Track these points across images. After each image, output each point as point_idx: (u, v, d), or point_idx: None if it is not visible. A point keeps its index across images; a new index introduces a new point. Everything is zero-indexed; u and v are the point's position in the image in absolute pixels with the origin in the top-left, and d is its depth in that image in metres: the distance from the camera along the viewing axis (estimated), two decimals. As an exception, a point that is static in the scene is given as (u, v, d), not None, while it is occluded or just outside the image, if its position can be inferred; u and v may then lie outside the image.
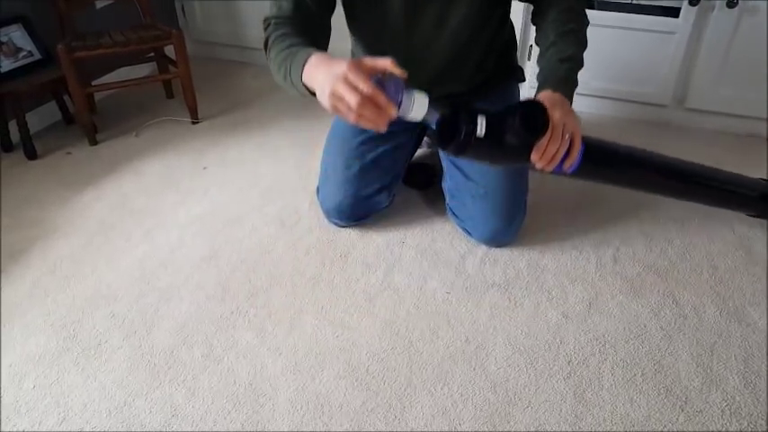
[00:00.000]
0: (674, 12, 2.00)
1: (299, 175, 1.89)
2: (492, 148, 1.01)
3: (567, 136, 1.03)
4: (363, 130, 1.48)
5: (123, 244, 1.60)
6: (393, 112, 0.87)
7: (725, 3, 1.90)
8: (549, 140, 1.01)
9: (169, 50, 2.23)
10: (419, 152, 1.89)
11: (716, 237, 1.56)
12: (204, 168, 1.96)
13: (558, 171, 1.09)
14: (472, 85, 1.42)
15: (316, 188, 1.66)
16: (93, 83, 2.29)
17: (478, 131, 0.97)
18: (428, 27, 1.27)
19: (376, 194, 1.55)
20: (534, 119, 0.99)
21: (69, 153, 2.06)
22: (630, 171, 1.32)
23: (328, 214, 1.60)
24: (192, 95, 2.20)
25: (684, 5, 1.96)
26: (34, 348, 1.27)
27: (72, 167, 1.98)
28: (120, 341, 1.28)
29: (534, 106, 1.01)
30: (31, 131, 2.04)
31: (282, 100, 2.42)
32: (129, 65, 2.40)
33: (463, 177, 1.47)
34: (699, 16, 1.96)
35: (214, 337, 1.28)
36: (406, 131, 1.53)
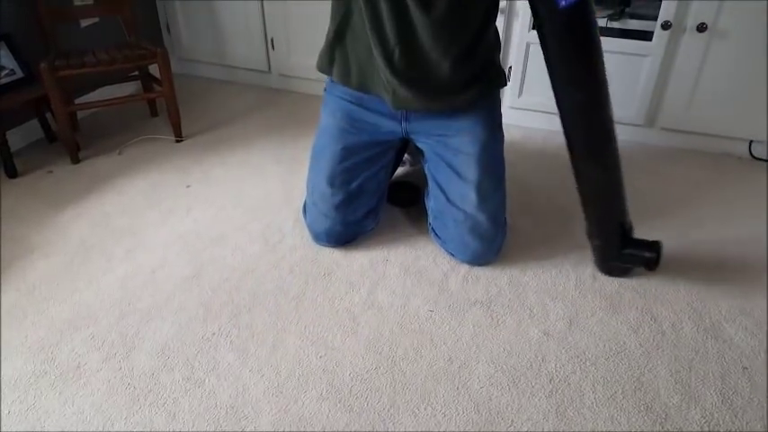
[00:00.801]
0: (647, 35, 2.02)
1: (282, 192, 1.86)
2: None
3: None
4: (347, 155, 1.45)
5: (104, 264, 1.55)
6: None
7: (695, 27, 1.92)
8: None
9: (153, 69, 2.19)
10: (401, 170, 1.87)
11: (691, 254, 1.56)
12: (187, 186, 1.91)
13: None
14: (457, 83, 1.35)
15: (302, 207, 1.63)
16: (77, 101, 2.24)
17: None
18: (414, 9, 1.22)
19: (363, 219, 1.54)
20: None
21: (51, 172, 2.00)
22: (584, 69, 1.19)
23: (317, 238, 1.57)
24: (176, 114, 2.16)
25: (657, 29, 1.98)
26: (10, 372, 1.22)
27: (53, 186, 1.92)
28: (100, 364, 1.23)
29: None
30: (13, 149, 1.98)
31: (265, 117, 2.40)
32: (113, 83, 2.35)
33: (445, 199, 1.46)
34: (671, 40, 1.98)
35: (195, 359, 1.24)
36: (388, 150, 1.51)
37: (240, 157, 2.10)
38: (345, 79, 1.41)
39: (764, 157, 2.07)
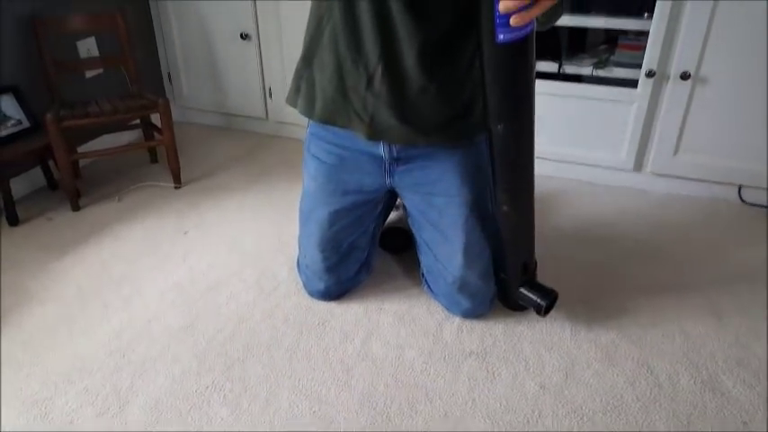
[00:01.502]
0: (632, 83, 2.01)
1: (277, 238, 1.82)
2: None
3: None
4: (335, 219, 1.37)
5: (100, 313, 1.49)
6: None
7: (678, 75, 1.92)
8: None
9: (155, 117, 2.17)
10: (393, 214, 1.83)
11: (685, 302, 1.51)
12: (185, 233, 1.87)
13: (501, 20, 0.93)
14: (442, 115, 1.24)
15: (296, 260, 1.59)
16: (79, 149, 2.22)
17: None
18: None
19: (356, 274, 1.49)
20: None
21: (50, 219, 1.96)
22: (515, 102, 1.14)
23: (311, 295, 1.52)
24: (176, 161, 2.13)
25: (641, 77, 1.97)
26: (2, 425, 1.15)
27: (53, 233, 1.88)
28: (93, 419, 1.18)
29: None
30: (15, 197, 1.94)
31: (262, 163, 2.37)
32: (115, 131, 2.33)
33: (434, 258, 1.40)
34: (655, 87, 1.97)
35: (188, 415, 1.18)
36: (377, 205, 1.45)
37: (237, 202, 2.07)
38: (309, 110, 1.28)
39: (755, 202, 2.04)
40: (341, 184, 1.36)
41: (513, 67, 1.07)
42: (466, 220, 1.32)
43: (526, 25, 0.92)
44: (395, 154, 1.32)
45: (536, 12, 0.90)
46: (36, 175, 2.15)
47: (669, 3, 1.84)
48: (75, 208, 2.01)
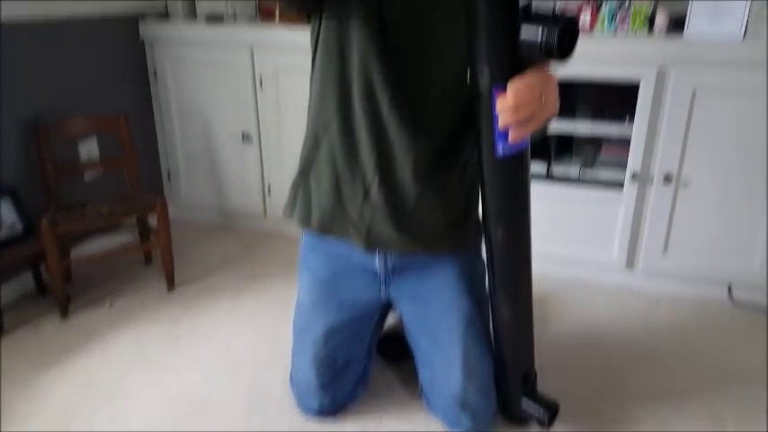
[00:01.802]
0: (618, 184, 2.04)
1: (272, 345, 1.76)
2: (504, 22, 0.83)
3: (543, 100, 0.90)
4: (330, 335, 1.33)
5: (83, 434, 1.41)
6: None
7: (662, 178, 1.95)
8: (540, 81, 0.87)
9: (151, 217, 2.16)
10: (390, 320, 1.79)
11: (687, 409, 1.46)
12: (177, 340, 1.81)
13: (500, 136, 0.93)
14: (438, 223, 1.24)
15: (289, 375, 1.52)
16: (73, 250, 2.19)
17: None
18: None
19: (352, 390, 1.43)
20: (573, 41, 0.82)
21: (38, 327, 1.89)
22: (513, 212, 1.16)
23: (305, 412, 1.45)
24: (171, 264, 2.10)
25: (626, 179, 2.01)
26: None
27: (40, 343, 1.81)
28: None
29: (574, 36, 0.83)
30: (2, 303, 1.88)
31: (259, 262, 2.35)
32: (111, 232, 2.31)
33: (431, 373, 1.35)
34: (640, 188, 2.00)
35: None
36: (373, 318, 1.41)
37: (232, 305, 2.02)
38: (306, 221, 1.28)
39: (746, 301, 2.02)
40: (336, 297, 1.33)
41: (511, 177, 1.11)
42: (464, 332, 1.29)
43: (524, 140, 0.95)
44: (390, 265, 1.30)
45: (532, 129, 0.94)
46: (25, 279, 2.10)
47: (648, 109, 1.91)
48: (65, 314, 1.95)
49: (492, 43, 0.87)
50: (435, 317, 1.32)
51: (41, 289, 2.10)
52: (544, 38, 0.80)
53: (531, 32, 0.81)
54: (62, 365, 1.69)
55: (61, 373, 1.65)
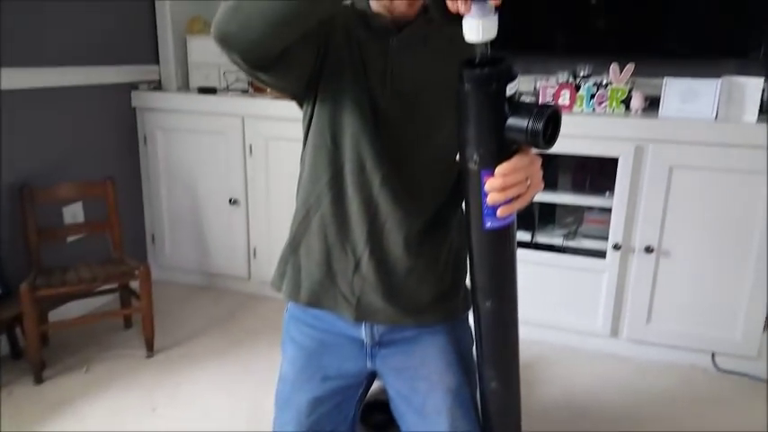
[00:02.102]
0: (601, 253, 2.09)
1: (253, 413, 1.73)
2: (492, 109, 0.86)
3: (528, 182, 0.92)
4: (314, 407, 1.29)
5: None
6: (463, 6, 0.75)
7: (643, 248, 2.01)
8: (526, 164, 0.89)
9: (133, 282, 2.14)
10: (375, 386, 1.77)
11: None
12: (153, 410, 1.77)
13: (488, 211, 0.96)
14: (427, 295, 1.24)
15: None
16: (52, 313, 2.15)
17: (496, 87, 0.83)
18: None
19: None
20: (556, 129, 0.86)
21: (10, 393, 1.84)
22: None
23: None
24: (151, 330, 2.07)
25: (609, 249, 2.06)
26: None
27: (12, 410, 1.75)
28: None
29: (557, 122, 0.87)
30: (-25, 366, 1.84)
31: (242, 326, 2.32)
32: (91, 296, 2.29)
33: None
34: (622, 258, 2.05)
35: None
36: (358, 388, 1.39)
37: (212, 372, 1.99)
38: (295, 294, 1.28)
39: (729, 369, 2.04)
40: (320, 369, 1.31)
41: (498, 249, 1.13)
42: (451, 406, 1.27)
43: (510, 215, 0.98)
44: (377, 338, 1.30)
45: (519, 205, 0.96)
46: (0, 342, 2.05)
47: (627, 184, 1.99)
48: (39, 380, 1.90)
49: (480, 132, 0.91)
50: (422, 391, 1.29)
51: (16, 353, 2.05)
52: (530, 128, 0.84)
53: (517, 122, 0.86)
54: (32, 435, 1.64)
55: (31, 445, 1.60)
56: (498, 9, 0.80)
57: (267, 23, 0.87)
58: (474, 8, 0.77)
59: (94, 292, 2.28)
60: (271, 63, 0.98)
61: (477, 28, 0.79)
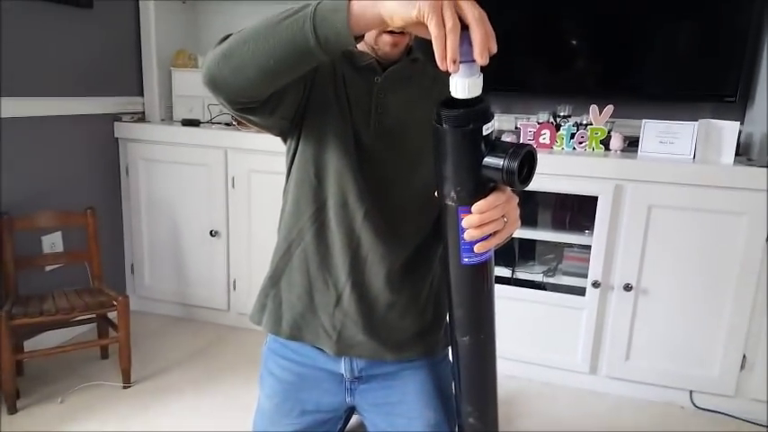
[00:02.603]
0: (580, 290, 2.16)
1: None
2: (468, 151, 0.89)
3: (505, 219, 0.95)
4: None
5: None
6: (452, 66, 0.77)
7: (622, 286, 2.08)
8: (503, 202, 0.91)
9: (112, 312, 2.16)
10: (353, 421, 1.79)
11: None
12: (129, 442, 1.78)
13: (467, 247, 0.98)
14: (408, 331, 1.27)
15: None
16: (27, 342, 2.15)
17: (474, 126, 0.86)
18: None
19: None
20: (531, 169, 0.89)
21: (-19, 426, 1.84)
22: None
23: None
24: (128, 360, 2.08)
25: (588, 286, 2.13)
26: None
27: (-18, 442, 1.76)
28: None
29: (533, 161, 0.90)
30: (-55, 398, 1.84)
31: (220, 357, 2.34)
32: (68, 326, 2.30)
33: None
34: (602, 296, 2.12)
35: None
36: (336, 422, 1.41)
37: (189, 403, 2.00)
38: (276, 327, 1.29)
39: (707, 408, 2.10)
40: (298, 403, 1.33)
41: (476, 285, 1.15)
42: None
43: (488, 251, 1.01)
44: (356, 372, 1.32)
45: (496, 242, 0.98)
46: (-27, 373, 2.05)
47: (607, 222, 2.06)
48: (12, 411, 1.90)
49: (457, 170, 0.94)
50: (400, 427, 1.31)
51: (-11, 383, 2.05)
52: (505, 167, 0.88)
53: (493, 161, 0.89)
54: (3, 469, 1.64)
55: (1, 478, 1.60)
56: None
57: (261, 71, 0.89)
58: (462, 68, 0.81)
59: (72, 321, 2.28)
60: (258, 105, 1.02)
61: (464, 87, 0.83)
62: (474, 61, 0.80)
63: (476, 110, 0.86)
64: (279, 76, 0.93)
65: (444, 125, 0.88)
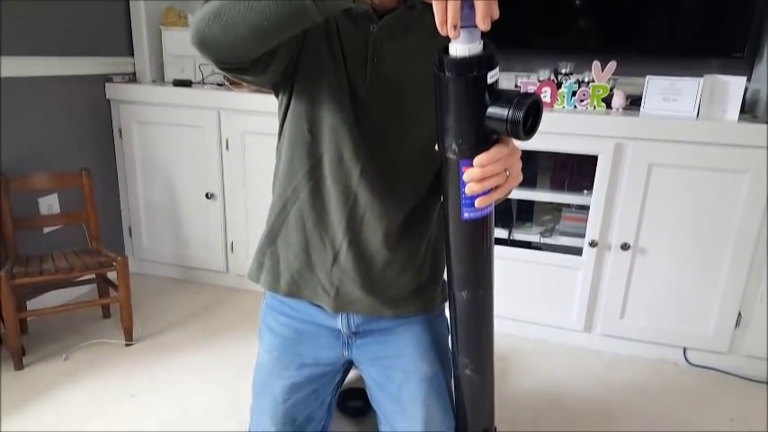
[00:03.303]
0: (577, 250, 2.22)
1: (230, 400, 1.83)
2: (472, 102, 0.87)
3: (507, 173, 0.94)
4: (290, 393, 1.37)
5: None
6: (453, 32, 0.77)
7: (619, 246, 2.14)
8: (506, 155, 0.91)
9: (111, 273, 2.23)
10: (352, 374, 1.87)
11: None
12: (132, 396, 1.87)
13: (468, 202, 0.99)
14: (405, 288, 1.31)
15: (248, 430, 1.60)
16: (30, 302, 2.23)
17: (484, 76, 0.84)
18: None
19: None
20: (536, 120, 0.87)
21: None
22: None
23: None
24: (129, 318, 2.16)
25: (585, 246, 2.18)
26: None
27: (-9, 396, 1.85)
28: None
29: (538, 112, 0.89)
30: (-48, 354, 1.92)
31: (219, 317, 2.42)
32: (69, 286, 2.37)
33: None
34: (598, 255, 2.18)
35: None
36: (335, 376, 1.48)
37: (190, 361, 2.09)
38: (274, 285, 1.32)
39: (701, 364, 2.19)
40: (297, 357, 1.38)
41: (476, 241, 1.16)
42: (426, 395, 1.34)
43: (488, 205, 1.02)
44: (353, 328, 1.37)
45: (498, 196, 0.99)
46: (-23, 331, 2.14)
47: (606, 181, 2.10)
48: (19, 367, 1.98)
49: (459, 121, 0.93)
50: (397, 380, 1.36)
51: (-5, 341, 2.14)
52: (510, 117, 0.86)
53: (497, 111, 0.87)
54: (14, 419, 1.72)
55: (13, 427, 1.68)
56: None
57: (253, 31, 0.88)
58: (462, 34, 0.80)
59: (72, 282, 2.35)
60: (249, 65, 1.01)
61: (465, 53, 0.82)
62: (475, 26, 0.78)
63: (480, 56, 0.83)
64: (271, 36, 0.91)
65: (447, 72, 0.85)
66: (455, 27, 0.77)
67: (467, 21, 0.77)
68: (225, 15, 0.87)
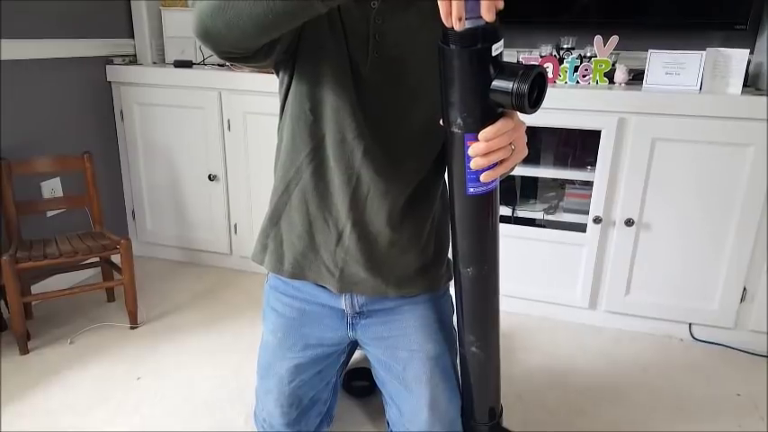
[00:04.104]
0: (581, 227, 2.19)
1: (236, 384, 1.82)
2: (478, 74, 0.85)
3: (512, 147, 0.94)
4: (295, 374, 1.37)
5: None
6: (458, 24, 0.76)
7: (623, 222, 2.10)
8: (511, 129, 0.90)
9: (115, 256, 2.21)
10: (357, 354, 1.86)
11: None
12: (138, 379, 1.85)
13: (471, 176, 0.97)
14: (410, 268, 1.30)
15: (253, 412, 1.58)
16: (34, 287, 2.22)
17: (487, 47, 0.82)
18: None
19: (317, 428, 1.46)
20: (541, 92, 0.86)
21: (-4, 365, 1.92)
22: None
23: None
24: (134, 302, 2.15)
25: (589, 222, 2.15)
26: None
27: (-3, 380, 1.84)
28: None
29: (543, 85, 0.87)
30: (-42, 340, 1.91)
31: (224, 300, 2.40)
32: (73, 270, 2.36)
33: (398, 413, 1.40)
34: (603, 232, 2.15)
35: None
36: (339, 356, 1.47)
37: (195, 344, 2.07)
38: (278, 267, 1.32)
39: (706, 339, 2.16)
40: (301, 338, 1.38)
41: (481, 216, 1.15)
42: (431, 374, 1.34)
43: (493, 180, 1.00)
44: (358, 308, 1.36)
45: (503, 170, 0.97)
46: (-18, 316, 2.13)
47: (609, 157, 2.07)
48: (24, 351, 1.98)
49: (464, 94, 0.91)
50: (402, 360, 1.36)
51: (1, 325, 2.12)
52: (515, 89, 0.84)
53: (502, 84, 0.85)
54: (20, 403, 1.71)
55: (19, 412, 1.67)
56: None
57: (258, 24, 0.85)
58: (467, 25, 0.78)
59: (76, 265, 2.34)
60: (251, 54, 0.99)
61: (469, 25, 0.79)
62: (480, 17, 0.76)
63: (485, 27, 0.81)
64: (276, 28, 0.90)
65: (451, 45, 0.84)
66: (460, 19, 0.75)
67: (471, 12, 0.76)
68: (229, 9, 0.85)
